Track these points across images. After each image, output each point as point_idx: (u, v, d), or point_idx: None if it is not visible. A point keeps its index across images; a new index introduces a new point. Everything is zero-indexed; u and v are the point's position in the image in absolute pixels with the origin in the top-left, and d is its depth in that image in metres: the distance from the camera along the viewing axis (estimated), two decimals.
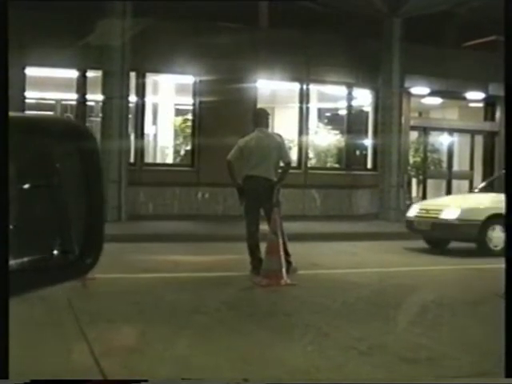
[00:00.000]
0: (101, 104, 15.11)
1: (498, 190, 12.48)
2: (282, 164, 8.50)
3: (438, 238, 11.81)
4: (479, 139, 19.83)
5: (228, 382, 4.25)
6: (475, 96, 18.63)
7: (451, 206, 11.71)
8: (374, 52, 16.62)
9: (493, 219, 11.07)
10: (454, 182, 19.28)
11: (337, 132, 18.19)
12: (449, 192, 18.55)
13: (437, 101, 19.28)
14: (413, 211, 12.25)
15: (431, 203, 12.85)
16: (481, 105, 19.70)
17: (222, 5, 15.19)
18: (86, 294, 6.74)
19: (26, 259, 1.09)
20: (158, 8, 14.52)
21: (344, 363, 4.69)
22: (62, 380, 3.93)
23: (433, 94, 18.27)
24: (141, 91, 15.63)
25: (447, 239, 11.79)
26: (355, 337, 5.35)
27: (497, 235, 11.05)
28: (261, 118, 8.69)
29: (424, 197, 18.12)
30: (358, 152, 18.60)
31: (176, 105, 17.83)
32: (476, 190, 13.30)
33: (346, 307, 6.61)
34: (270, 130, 9.19)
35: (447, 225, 11.25)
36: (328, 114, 19.36)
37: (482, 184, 13.86)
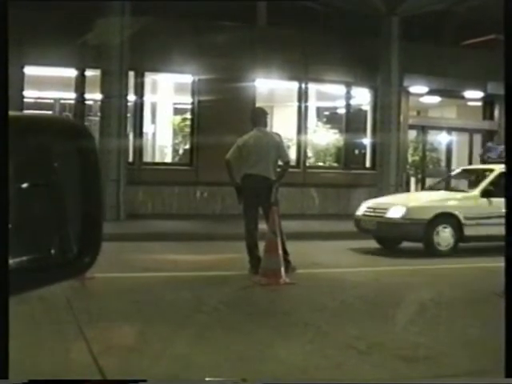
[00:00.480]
0: (99, 103, 15.11)
1: (450, 189, 12.46)
2: (280, 163, 8.50)
3: (385, 237, 11.41)
4: (478, 138, 19.81)
5: (227, 382, 4.25)
6: (474, 95, 18.64)
7: (397, 205, 11.19)
8: (372, 51, 16.61)
9: (440, 218, 10.73)
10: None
11: (335, 131, 18.18)
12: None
13: (435, 99, 19.29)
14: (361, 210, 11.74)
15: (378, 201, 12.14)
16: (479, 104, 19.70)
17: (221, 4, 15.19)
18: (85, 293, 6.73)
19: (24, 258, 1.09)
20: (157, 7, 14.52)
21: (343, 362, 4.70)
22: (60, 380, 3.92)
23: (431, 92, 18.27)
24: (139, 90, 15.63)
25: (393, 239, 11.38)
26: (354, 335, 5.35)
27: (444, 235, 10.73)
28: (259, 116, 8.68)
29: None
30: (356, 151, 18.60)
31: (175, 104, 17.81)
32: (428, 188, 13.09)
33: (344, 306, 6.61)
34: (268, 128, 9.17)
35: (392, 224, 10.81)
36: (327, 113, 19.34)
37: (433, 182, 13.61)
